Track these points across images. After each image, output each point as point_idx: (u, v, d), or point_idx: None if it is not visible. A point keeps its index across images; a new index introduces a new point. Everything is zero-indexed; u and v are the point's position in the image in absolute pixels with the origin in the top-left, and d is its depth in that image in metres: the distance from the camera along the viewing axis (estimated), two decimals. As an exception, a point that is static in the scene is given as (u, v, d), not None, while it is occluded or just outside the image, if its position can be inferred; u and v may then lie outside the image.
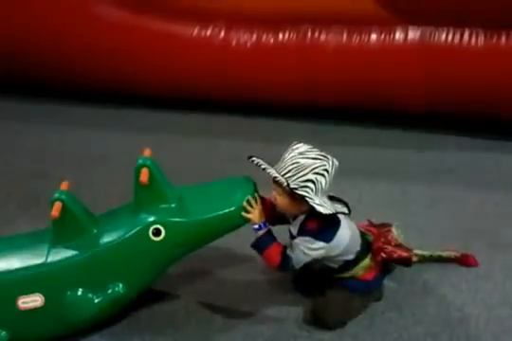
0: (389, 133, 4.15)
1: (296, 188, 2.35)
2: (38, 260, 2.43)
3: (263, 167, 2.40)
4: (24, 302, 2.41)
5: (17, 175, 3.75)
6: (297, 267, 2.51)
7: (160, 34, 4.29)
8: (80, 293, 2.45)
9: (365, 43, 4.00)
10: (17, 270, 2.41)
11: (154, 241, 2.47)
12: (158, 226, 2.46)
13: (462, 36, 3.85)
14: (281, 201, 2.44)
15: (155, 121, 4.41)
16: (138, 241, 2.47)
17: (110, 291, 2.47)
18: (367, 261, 2.59)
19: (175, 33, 4.28)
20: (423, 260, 2.83)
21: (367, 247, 2.61)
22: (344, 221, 2.53)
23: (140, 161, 2.44)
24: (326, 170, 2.37)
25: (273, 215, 2.55)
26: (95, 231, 2.48)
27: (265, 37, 4.18)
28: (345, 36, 4.04)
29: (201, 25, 4.25)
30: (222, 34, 4.23)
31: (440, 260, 2.86)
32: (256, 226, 2.49)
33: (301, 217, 2.49)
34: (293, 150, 2.42)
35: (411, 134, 4.13)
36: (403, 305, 2.67)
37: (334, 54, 4.06)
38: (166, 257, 2.53)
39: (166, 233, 2.46)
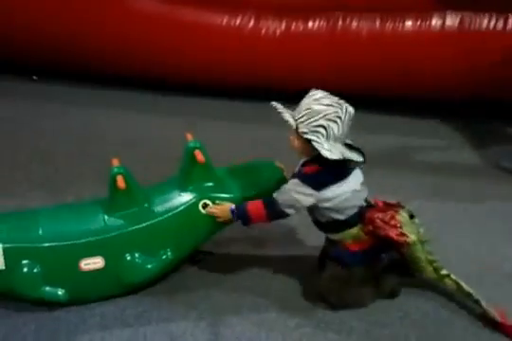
0: (423, 122, 4.35)
1: (306, 133, 2.43)
2: (98, 226, 2.73)
3: (279, 111, 2.52)
4: (86, 264, 2.71)
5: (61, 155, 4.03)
6: (288, 211, 2.58)
7: (191, 23, 4.44)
8: (136, 257, 2.76)
9: (399, 30, 3.98)
10: (81, 234, 2.71)
11: (202, 213, 2.78)
12: (207, 201, 2.77)
13: (506, 21, 3.82)
14: (296, 144, 2.56)
15: (186, 107, 4.68)
16: (189, 213, 2.78)
17: (161, 256, 2.79)
18: (356, 230, 2.64)
19: (206, 22, 4.42)
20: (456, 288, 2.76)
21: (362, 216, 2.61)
22: (353, 178, 2.55)
23: (192, 144, 2.76)
24: (339, 117, 2.42)
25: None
26: (146, 203, 2.78)
27: (294, 25, 4.27)
28: (378, 23, 4.04)
29: (231, 13, 4.38)
30: (252, 23, 4.34)
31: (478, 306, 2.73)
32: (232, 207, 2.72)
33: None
34: (309, 96, 2.49)
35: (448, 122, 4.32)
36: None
37: (366, 42, 4.10)
38: (210, 228, 2.84)
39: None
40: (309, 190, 2.53)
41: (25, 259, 2.65)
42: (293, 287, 2.91)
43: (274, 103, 2.57)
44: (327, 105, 2.44)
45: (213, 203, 2.77)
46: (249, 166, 2.96)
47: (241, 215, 2.70)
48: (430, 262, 2.70)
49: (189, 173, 2.79)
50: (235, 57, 4.46)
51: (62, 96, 4.83)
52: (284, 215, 2.63)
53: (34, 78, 4.98)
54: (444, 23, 3.95)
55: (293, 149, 2.61)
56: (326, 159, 2.45)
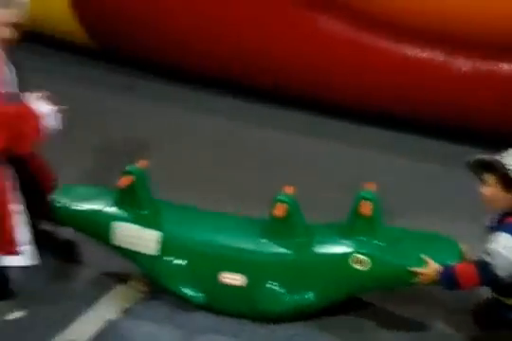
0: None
1: None
2: (250, 246, 2.72)
3: (490, 158, 2.42)
4: (225, 277, 2.72)
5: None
6: (502, 274, 2.35)
7: (379, 49, 4.23)
8: (277, 287, 2.69)
9: None
10: (231, 248, 2.72)
11: (354, 268, 2.61)
12: (365, 258, 2.59)
13: None
14: (491, 192, 2.43)
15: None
16: (343, 262, 2.63)
17: (302, 295, 2.69)
18: None
19: (396, 51, 4.20)
20: None
21: None
22: None
23: (363, 193, 2.59)
24: None
25: None
26: (304, 238, 2.68)
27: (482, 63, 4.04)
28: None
29: (422, 46, 4.15)
30: (441, 57, 4.10)
31: None
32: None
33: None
34: None
35: None
36: None
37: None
38: (358, 285, 2.66)
39: (369, 265, 2.59)
40: None
41: (176, 252, 2.75)
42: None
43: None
44: None
45: (371, 261, 2.58)
46: (427, 236, 2.70)
47: (448, 278, 2.46)
48: None
49: (352, 223, 2.64)
50: (424, 90, 4.20)
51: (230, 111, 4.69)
52: (498, 279, 2.39)
53: None
54: None
55: (488, 200, 2.48)
56: None
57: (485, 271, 2.34)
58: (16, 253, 2.81)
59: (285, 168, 3.97)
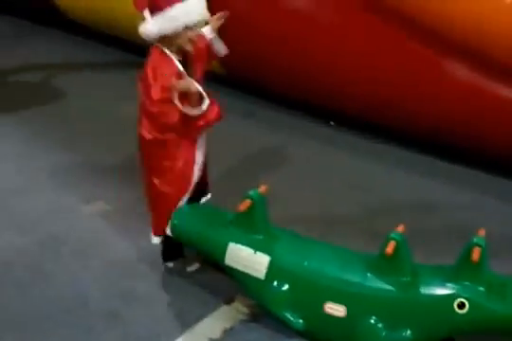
0: None
1: None
2: (356, 279, 2.80)
3: None
4: (330, 307, 2.81)
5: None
6: None
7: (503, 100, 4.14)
8: (377, 322, 2.77)
9: None
10: (338, 280, 2.82)
11: (455, 311, 2.66)
12: (465, 301, 2.63)
13: None
14: None
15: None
16: (445, 305, 2.68)
17: (399, 333, 2.75)
18: None
19: None
20: None
21: None
22: None
23: (475, 240, 2.63)
24: None
25: None
26: (409, 278, 2.74)
27: None
28: None
29: None
30: None
31: None
32: None
33: None
34: None
35: None
36: None
37: None
38: (456, 327, 2.70)
39: (469, 310, 2.64)
40: None
41: (283, 278, 2.88)
42: None
43: None
44: None
45: (471, 307, 2.63)
46: None
47: None
48: None
49: (461, 267, 2.69)
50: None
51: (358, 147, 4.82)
52: None
53: (331, 123, 5.06)
54: None
55: None
56: None
57: None
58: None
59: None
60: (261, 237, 2.94)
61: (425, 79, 4.39)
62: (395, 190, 4.22)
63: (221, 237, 2.99)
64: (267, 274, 2.89)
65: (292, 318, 2.89)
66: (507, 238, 3.67)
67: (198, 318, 3.15)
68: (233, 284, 3.14)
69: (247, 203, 2.87)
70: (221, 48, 3.19)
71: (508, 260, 3.33)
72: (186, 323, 3.13)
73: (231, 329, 3.10)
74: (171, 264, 3.43)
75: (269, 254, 2.89)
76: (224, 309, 3.21)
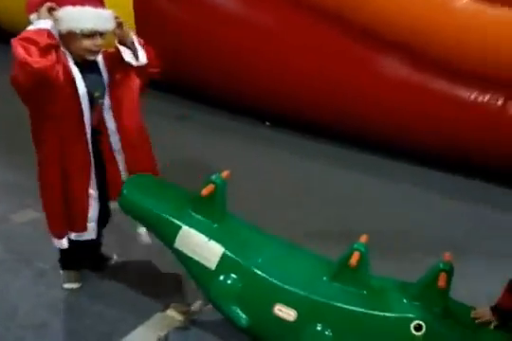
0: None
1: None
2: (312, 284, 2.64)
3: None
4: (279, 309, 2.63)
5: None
6: None
7: (438, 93, 4.39)
8: (326, 331, 2.59)
9: None
10: (290, 281, 2.65)
11: (411, 333, 2.52)
12: (422, 323, 2.51)
13: None
14: None
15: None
16: (401, 326, 2.54)
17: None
18: None
19: (454, 95, 4.35)
20: None
21: None
22: None
23: (442, 265, 2.51)
24: None
25: None
26: (370, 291, 2.62)
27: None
28: None
29: (480, 90, 4.28)
30: (500, 102, 4.22)
31: None
32: None
33: None
34: None
35: None
36: None
37: None
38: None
39: (425, 333, 2.51)
40: None
41: (233, 272, 2.69)
42: None
43: None
44: None
45: (427, 328, 2.51)
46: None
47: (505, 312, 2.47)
48: None
49: (425, 289, 2.55)
50: (477, 133, 4.37)
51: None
52: None
53: (267, 124, 5.13)
54: None
55: None
56: None
57: None
58: (84, 229, 3.05)
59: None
60: (217, 225, 2.75)
61: (358, 75, 4.55)
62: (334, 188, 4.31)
63: (175, 218, 2.77)
64: (219, 265, 2.70)
65: (237, 314, 2.69)
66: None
67: (132, 327, 2.97)
68: (168, 292, 3.06)
69: (211, 187, 2.69)
70: (132, 59, 2.88)
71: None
72: (119, 333, 2.95)
73: (166, 337, 2.93)
74: (75, 285, 3.23)
75: (224, 245, 2.70)
76: (158, 317, 3.04)
